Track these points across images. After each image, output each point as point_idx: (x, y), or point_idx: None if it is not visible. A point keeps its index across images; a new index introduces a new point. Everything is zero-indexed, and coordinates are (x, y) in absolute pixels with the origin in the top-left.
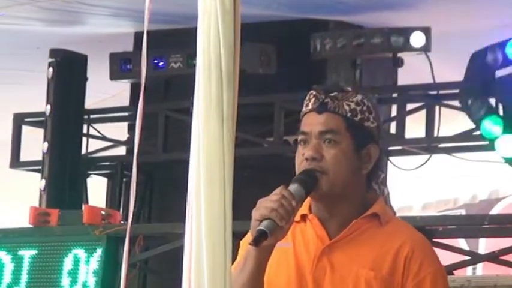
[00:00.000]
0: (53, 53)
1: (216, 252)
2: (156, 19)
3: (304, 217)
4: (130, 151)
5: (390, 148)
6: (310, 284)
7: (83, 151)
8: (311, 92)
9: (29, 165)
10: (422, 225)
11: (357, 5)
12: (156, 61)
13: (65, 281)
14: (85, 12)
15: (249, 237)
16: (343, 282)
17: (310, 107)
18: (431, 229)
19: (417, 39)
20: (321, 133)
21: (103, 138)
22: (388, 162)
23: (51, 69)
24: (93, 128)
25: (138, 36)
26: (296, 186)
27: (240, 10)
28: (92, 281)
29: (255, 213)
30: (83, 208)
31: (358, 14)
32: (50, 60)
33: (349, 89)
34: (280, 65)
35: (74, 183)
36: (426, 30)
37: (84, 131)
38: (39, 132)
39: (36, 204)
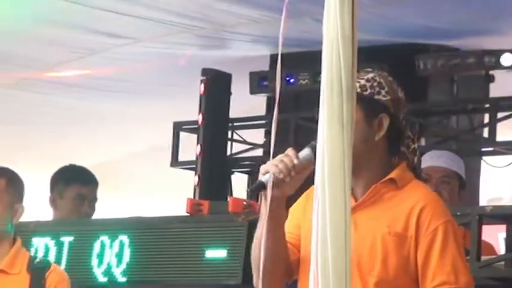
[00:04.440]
0: (205, 72)
1: (338, 234)
2: (288, 44)
3: None
4: (266, 152)
5: (483, 149)
6: None
7: (228, 152)
8: None
9: (185, 164)
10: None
11: (453, 31)
12: (287, 78)
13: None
14: (230, 39)
15: (296, 204)
16: (363, 240)
17: None
18: None
19: (506, 59)
20: None
21: (244, 142)
22: (482, 161)
23: (202, 85)
24: (236, 133)
25: (273, 58)
26: (306, 150)
27: (357, 36)
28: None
29: (261, 169)
30: (229, 199)
31: (455, 39)
32: (202, 78)
33: (369, 69)
34: None
35: (221, 179)
36: None
37: (229, 136)
38: (193, 137)
39: (191, 197)
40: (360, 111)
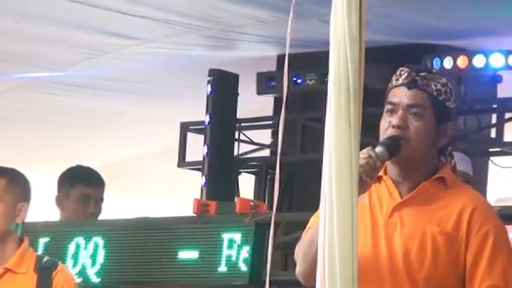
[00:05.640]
0: (211, 72)
1: (345, 234)
2: (295, 44)
3: (379, 178)
4: (273, 153)
5: (491, 150)
6: (382, 238)
7: (235, 153)
8: (403, 68)
9: (193, 164)
10: None
11: (461, 31)
12: (294, 79)
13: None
14: (237, 39)
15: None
16: (411, 236)
17: (400, 81)
18: None
19: None
20: (409, 106)
21: (251, 142)
22: (489, 161)
23: (209, 86)
24: (243, 134)
25: (280, 59)
26: (382, 149)
27: (365, 37)
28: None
29: (365, 151)
30: (236, 200)
31: (462, 39)
32: (209, 78)
33: (435, 71)
34: None
35: (228, 180)
36: None
37: (236, 136)
38: (200, 137)
39: (198, 197)
40: (432, 115)
